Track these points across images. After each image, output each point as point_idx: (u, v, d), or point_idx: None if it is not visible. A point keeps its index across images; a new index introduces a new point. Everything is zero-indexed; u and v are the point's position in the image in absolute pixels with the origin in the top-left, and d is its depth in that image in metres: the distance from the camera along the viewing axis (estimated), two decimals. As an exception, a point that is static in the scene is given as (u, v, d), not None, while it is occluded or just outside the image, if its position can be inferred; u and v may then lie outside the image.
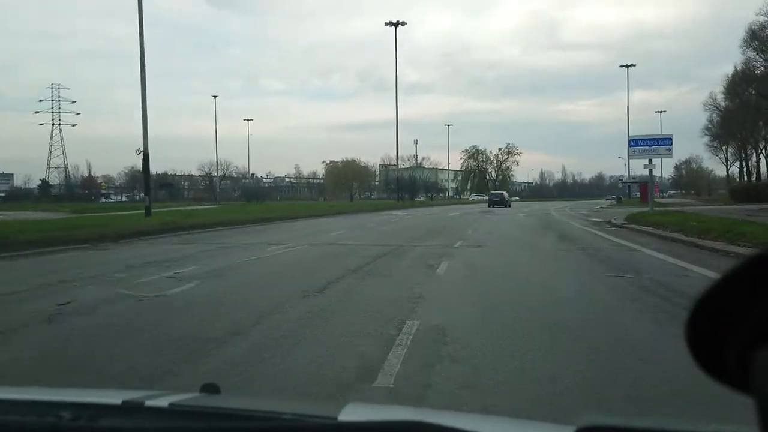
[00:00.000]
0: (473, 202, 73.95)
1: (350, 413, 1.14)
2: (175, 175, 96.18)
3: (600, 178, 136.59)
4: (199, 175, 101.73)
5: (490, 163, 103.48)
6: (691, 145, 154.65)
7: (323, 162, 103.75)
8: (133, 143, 67.47)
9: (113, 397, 1.21)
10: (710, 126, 64.79)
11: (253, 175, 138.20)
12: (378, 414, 1.24)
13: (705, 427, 0.93)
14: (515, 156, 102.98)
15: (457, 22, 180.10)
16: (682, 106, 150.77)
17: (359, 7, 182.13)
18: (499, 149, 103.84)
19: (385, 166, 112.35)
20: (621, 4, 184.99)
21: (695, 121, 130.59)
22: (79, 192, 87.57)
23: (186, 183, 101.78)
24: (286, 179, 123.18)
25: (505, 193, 53.33)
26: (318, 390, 3.67)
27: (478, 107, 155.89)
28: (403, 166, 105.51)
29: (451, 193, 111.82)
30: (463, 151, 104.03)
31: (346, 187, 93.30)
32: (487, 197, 55.30)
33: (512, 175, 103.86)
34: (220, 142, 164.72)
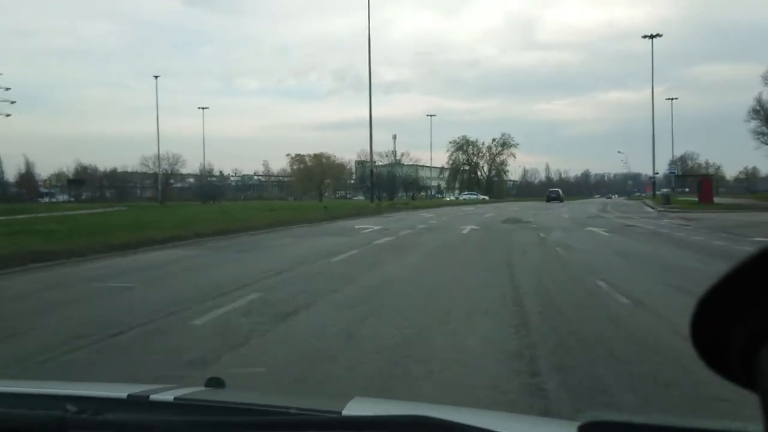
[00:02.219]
0: (464, 202, 59.93)
1: (354, 408, 1.17)
2: (125, 172, 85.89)
3: (586, 176, 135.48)
4: (146, 172, 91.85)
5: (482, 157, 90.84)
6: (687, 142, 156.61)
7: (288, 155, 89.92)
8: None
9: (119, 391, 1.24)
10: (758, 108, 53.35)
11: (221, 173, 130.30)
12: (382, 409, 1.31)
13: (708, 424, 0.92)
14: (511, 148, 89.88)
15: (433, 22, 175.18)
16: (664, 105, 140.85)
17: (335, 6, 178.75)
18: (493, 140, 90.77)
19: (361, 163, 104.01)
20: (595, 5, 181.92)
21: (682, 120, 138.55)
22: (14, 191, 77.33)
23: (138, 181, 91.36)
24: (255, 177, 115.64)
25: (559, 190, 61.03)
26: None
27: (456, 106, 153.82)
28: (381, 163, 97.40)
29: (433, 192, 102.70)
30: (450, 142, 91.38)
31: (316, 184, 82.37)
32: (482, 196, 64.52)
33: (507, 170, 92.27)
34: (191, 140, 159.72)
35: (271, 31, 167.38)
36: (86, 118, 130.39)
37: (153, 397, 1.19)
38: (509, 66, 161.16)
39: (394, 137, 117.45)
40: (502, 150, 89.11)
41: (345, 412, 1.12)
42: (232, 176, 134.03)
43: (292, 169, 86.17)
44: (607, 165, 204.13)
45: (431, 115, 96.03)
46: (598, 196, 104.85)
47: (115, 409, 1.13)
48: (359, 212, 26.01)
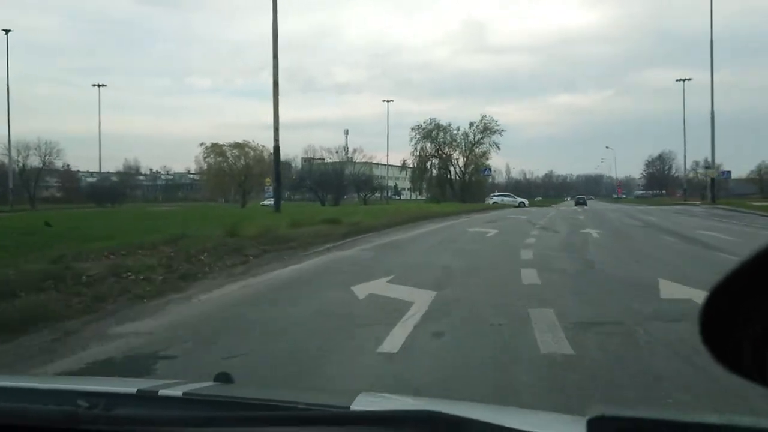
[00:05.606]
0: (448, 216, 40.52)
1: (363, 403, 1.18)
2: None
3: (549, 177, 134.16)
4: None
5: (457, 147, 66.99)
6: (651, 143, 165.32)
7: (201, 144, 68.83)
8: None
9: (128, 386, 1.24)
10: None
11: (151, 171, 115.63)
12: (390, 404, 1.35)
13: (718, 419, 0.92)
14: (495, 135, 66.20)
15: (386, 23, 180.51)
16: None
17: (287, 7, 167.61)
18: (471, 125, 66.56)
19: (308, 160, 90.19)
20: (547, 10, 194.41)
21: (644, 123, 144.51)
22: None
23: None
24: (190, 175, 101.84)
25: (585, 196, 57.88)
26: None
27: (408, 108, 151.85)
28: (330, 160, 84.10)
29: (390, 193, 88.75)
30: (414, 128, 67.96)
31: (238, 182, 64.29)
32: (519, 199, 54.22)
33: (488, 164, 66.84)
34: (140, 139, 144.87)
35: (222, 30, 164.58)
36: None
37: (162, 392, 1.20)
38: (462, 69, 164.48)
39: (346, 132, 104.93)
40: (482, 138, 66.15)
41: (353, 407, 1.13)
42: (164, 175, 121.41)
43: (206, 163, 68.01)
44: (564, 166, 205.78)
45: (388, 101, 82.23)
46: (568, 198, 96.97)
47: (125, 404, 1.13)
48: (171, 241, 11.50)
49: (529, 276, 7.82)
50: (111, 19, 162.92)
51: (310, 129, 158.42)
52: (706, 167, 52.71)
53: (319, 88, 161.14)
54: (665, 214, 30.31)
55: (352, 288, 6.80)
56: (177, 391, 1.19)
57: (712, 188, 47.02)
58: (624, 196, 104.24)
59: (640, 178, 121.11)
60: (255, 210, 30.09)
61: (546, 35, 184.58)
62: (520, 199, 57.79)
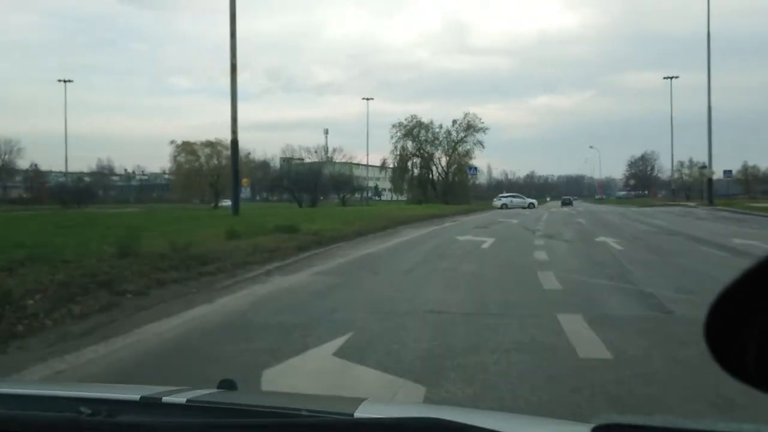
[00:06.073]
0: (439, 218, 28.08)
1: (366, 410, 1.15)
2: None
3: (531, 177, 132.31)
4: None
5: (439, 146, 62.73)
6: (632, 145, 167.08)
7: (172, 142, 65.41)
8: None
9: (132, 393, 1.23)
10: None
11: (126, 171, 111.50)
12: (394, 411, 1.27)
13: (722, 426, 0.92)
14: (479, 133, 61.89)
15: (367, 24, 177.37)
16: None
17: (268, 6, 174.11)
18: (454, 122, 62.26)
19: (286, 160, 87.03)
20: (528, 12, 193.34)
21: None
22: None
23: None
24: (165, 176, 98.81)
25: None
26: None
27: (389, 109, 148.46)
28: (309, 160, 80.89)
29: (370, 194, 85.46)
30: (394, 126, 63.07)
31: (210, 182, 60.47)
32: (529, 200, 52.81)
33: (472, 164, 61.42)
34: (115, 140, 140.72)
35: (201, 30, 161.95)
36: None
37: (165, 399, 1.19)
38: (442, 69, 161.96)
39: (326, 132, 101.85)
40: (465, 136, 61.85)
41: (357, 415, 1.11)
42: (139, 175, 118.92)
43: (176, 162, 64.36)
44: (545, 167, 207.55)
45: (368, 98, 78.89)
46: (549, 198, 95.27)
47: (128, 411, 1.12)
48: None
49: (580, 335, 4.57)
50: (83, 16, 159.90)
51: (291, 130, 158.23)
52: (702, 167, 50.27)
53: (300, 88, 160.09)
54: (669, 217, 27.41)
55: (262, 375, 3.51)
56: (180, 398, 1.19)
57: (710, 189, 44.36)
58: (605, 196, 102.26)
59: (621, 179, 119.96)
60: (213, 214, 26.51)
61: (526, 36, 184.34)
62: (529, 200, 53.99)
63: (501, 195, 57.37)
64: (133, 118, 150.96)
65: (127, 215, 25.64)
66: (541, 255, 10.93)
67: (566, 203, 61.68)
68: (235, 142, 22.04)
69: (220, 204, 49.04)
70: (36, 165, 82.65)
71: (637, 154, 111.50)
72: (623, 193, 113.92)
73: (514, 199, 53.14)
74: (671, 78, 64.17)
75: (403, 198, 66.91)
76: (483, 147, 61.92)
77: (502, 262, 10.00)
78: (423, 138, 61.99)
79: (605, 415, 0.86)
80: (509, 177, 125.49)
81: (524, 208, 47.22)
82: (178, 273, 6.88)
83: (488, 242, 13.80)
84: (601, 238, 14.79)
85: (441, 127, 62.34)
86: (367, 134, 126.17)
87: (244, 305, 6.05)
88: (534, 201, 55.13)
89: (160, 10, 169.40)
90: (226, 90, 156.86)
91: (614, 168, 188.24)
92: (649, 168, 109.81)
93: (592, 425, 0.87)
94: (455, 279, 7.89)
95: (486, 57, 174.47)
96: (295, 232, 12.23)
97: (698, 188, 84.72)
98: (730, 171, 55.71)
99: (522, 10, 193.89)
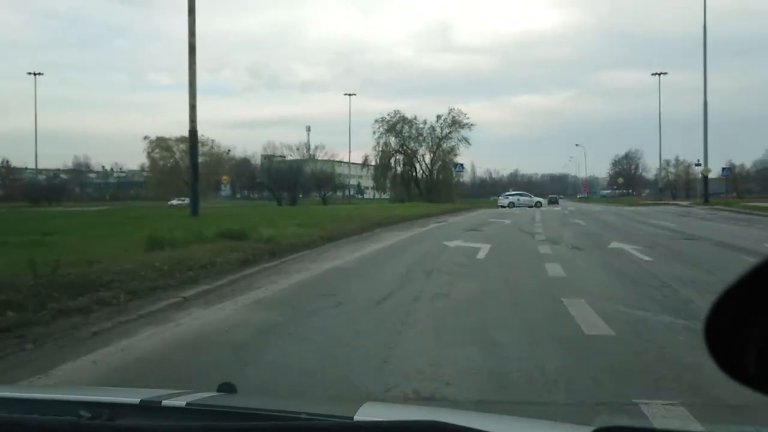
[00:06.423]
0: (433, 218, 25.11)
1: (366, 413, 1.13)
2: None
3: (515, 176, 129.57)
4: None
5: (423, 142, 59.25)
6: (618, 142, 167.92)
7: (146, 138, 62.85)
8: None
9: (131, 396, 1.21)
10: None
11: (104, 168, 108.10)
12: (394, 414, 1.28)
13: (722, 429, 0.91)
14: (464, 129, 58.61)
15: (351, 22, 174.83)
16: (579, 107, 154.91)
17: (251, 3, 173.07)
18: (438, 118, 58.73)
19: (268, 157, 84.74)
20: (510, 11, 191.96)
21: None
22: None
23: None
24: (144, 173, 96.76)
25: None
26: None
27: (376, 106, 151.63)
28: (291, 157, 78.46)
29: (353, 192, 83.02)
30: (377, 121, 59.27)
31: (185, 180, 57.45)
32: (536, 198, 51.00)
33: (456, 161, 57.09)
34: (94, 138, 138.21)
35: (180, 27, 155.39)
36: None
37: (165, 402, 1.18)
38: (426, 68, 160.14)
39: (308, 129, 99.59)
40: (450, 132, 58.44)
41: (357, 417, 1.09)
42: (117, 172, 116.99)
43: (150, 158, 61.71)
44: (529, 166, 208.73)
45: (350, 94, 76.46)
46: (550, 196, 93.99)
47: (127, 414, 1.11)
48: None
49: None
50: (59, 13, 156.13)
51: (274, 127, 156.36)
52: (697, 164, 48.49)
53: (283, 86, 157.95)
54: (671, 217, 25.32)
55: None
56: (180, 402, 1.17)
57: (705, 187, 42.42)
58: (588, 195, 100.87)
59: (605, 178, 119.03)
60: (171, 214, 23.70)
61: (510, 35, 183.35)
62: (536, 199, 51.74)
63: (507, 193, 55.21)
64: (111, 114, 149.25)
65: (73, 215, 22.91)
66: (554, 269, 8.56)
67: (552, 201, 60.65)
68: (193, 132, 19.44)
69: (175, 203, 45.58)
70: (7, 161, 79.56)
71: (621, 152, 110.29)
72: (607, 191, 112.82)
73: (521, 198, 50.70)
74: (659, 74, 62.54)
75: (386, 196, 64.38)
76: (468, 144, 59.37)
77: (509, 281, 7.58)
78: (406, 134, 59.06)
79: (605, 417, 0.67)
80: (493, 176, 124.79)
81: (531, 207, 45.14)
82: (19, 314, 4.37)
83: (484, 250, 11.41)
84: (615, 244, 12.48)
85: (425, 122, 59.44)
86: (350, 130, 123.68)
87: (102, 375, 3.57)
88: (541, 200, 53.15)
89: (140, 7, 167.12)
90: (207, 86, 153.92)
91: (597, 167, 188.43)
92: (633, 167, 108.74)
93: (593, 428, 0.85)
94: (449, 315, 5.46)
95: (469, 55, 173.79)
96: (244, 239, 9.73)
97: (683, 187, 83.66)
98: (729, 168, 53.76)
99: (505, 9, 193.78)
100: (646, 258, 10.04)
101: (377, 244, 12.97)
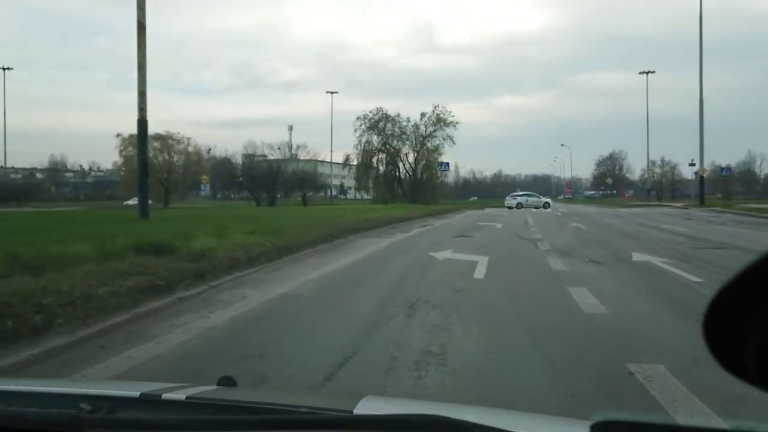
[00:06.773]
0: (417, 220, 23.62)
1: (366, 407, 1.13)
2: None
3: (498, 176, 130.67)
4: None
5: (407, 140, 56.23)
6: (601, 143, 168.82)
7: (118, 135, 58.59)
8: None
9: (131, 390, 1.21)
10: None
11: (81, 167, 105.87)
12: (394, 408, 1.28)
13: (720, 424, 0.87)
14: (449, 127, 55.51)
15: (334, 22, 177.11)
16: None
17: (233, 2, 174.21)
18: (422, 115, 55.70)
19: (248, 156, 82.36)
20: (496, 11, 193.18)
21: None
22: None
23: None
24: (122, 172, 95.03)
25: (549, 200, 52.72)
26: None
27: (360, 106, 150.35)
28: (272, 157, 75.86)
29: (335, 192, 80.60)
30: (359, 118, 56.04)
31: (159, 180, 54.35)
32: (544, 199, 50.16)
33: (440, 160, 53.65)
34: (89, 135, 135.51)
35: (166, 25, 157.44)
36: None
37: (165, 396, 1.17)
38: (409, 68, 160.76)
39: (290, 128, 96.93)
40: (435, 131, 55.64)
41: (356, 411, 1.09)
42: (95, 171, 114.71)
43: (123, 156, 58.79)
44: (512, 166, 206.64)
45: (332, 92, 74.04)
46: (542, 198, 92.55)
47: (128, 407, 1.11)
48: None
49: None
50: (44, 11, 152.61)
51: (256, 127, 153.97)
52: (690, 164, 46.78)
53: (266, 85, 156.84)
54: (675, 220, 23.30)
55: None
56: (180, 395, 1.17)
57: (701, 188, 40.54)
58: (572, 196, 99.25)
59: (588, 179, 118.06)
60: (121, 217, 20.93)
61: (493, 37, 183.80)
62: (544, 199, 50.30)
63: (514, 194, 53.60)
64: (89, 112, 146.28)
65: (11, 217, 20.13)
66: (584, 297, 6.19)
67: (545, 204, 59.63)
68: (142, 122, 16.78)
69: (131, 203, 42.58)
70: None
71: (605, 153, 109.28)
72: (591, 192, 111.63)
73: (530, 198, 49.19)
74: (647, 72, 60.96)
75: (369, 197, 61.81)
76: (453, 143, 56.82)
77: (531, 324, 5.12)
78: (389, 132, 56.12)
79: (604, 412, 0.84)
80: (476, 176, 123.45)
81: (537, 208, 43.73)
82: None
83: (482, 264, 9.02)
84: (642, 256, 10.17)
85: (409, 120, 56.71)
86: (332, 128, 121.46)
87: None
88: (549, 200, 51.83)
89: (120, 4, 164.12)
90: (190, 86, 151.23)
91: (581, 168, 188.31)
92: (617, 167, 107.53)
93: (591, 422, 0.86)
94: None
95: (452, 55, 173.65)
96: (166, 254, 7.22)
97: (669, 188, 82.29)
98: (729, 168, 52.04)
99: (490, 10, 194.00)
100: (694, 278, 7.73)
101: (346, 257, 10.47)
